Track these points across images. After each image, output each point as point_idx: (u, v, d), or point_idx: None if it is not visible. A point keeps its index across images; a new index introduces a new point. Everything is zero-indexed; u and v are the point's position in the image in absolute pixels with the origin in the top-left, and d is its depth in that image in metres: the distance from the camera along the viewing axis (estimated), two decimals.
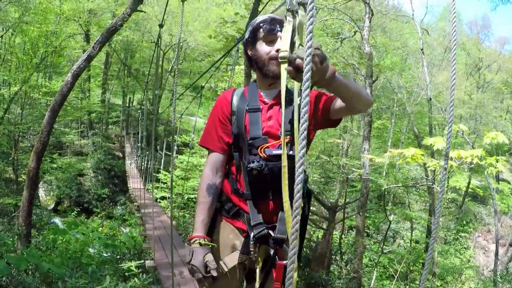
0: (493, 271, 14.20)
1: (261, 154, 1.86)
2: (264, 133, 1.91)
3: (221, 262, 1.95)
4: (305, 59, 1.06)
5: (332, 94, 1.98)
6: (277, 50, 1.84)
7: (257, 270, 1.94)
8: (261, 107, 1.97)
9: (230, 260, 1.96)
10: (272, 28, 1.87)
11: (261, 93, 2.03)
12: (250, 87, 2.06)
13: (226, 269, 1.95)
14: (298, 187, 0.99)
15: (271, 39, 1.90)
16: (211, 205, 1.98)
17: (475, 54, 36.07)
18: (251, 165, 1.83)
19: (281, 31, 1.73)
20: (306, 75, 1.05)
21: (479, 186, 21.21)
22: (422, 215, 19.13)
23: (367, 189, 13.04)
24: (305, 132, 0.99)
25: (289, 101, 1.79)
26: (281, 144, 1.82)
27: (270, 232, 1.89)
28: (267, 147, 1.87)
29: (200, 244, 1.88)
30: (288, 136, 1.83)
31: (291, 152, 1.80)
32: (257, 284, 1.92)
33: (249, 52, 2.02)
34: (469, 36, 43.28)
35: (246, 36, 2.02)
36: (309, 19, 1.03)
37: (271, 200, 1.91)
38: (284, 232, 1.85)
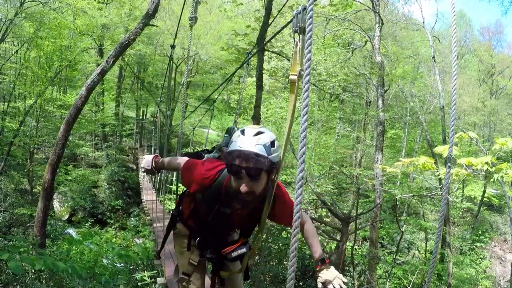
0: (510, 282, 13.96)
1: (222, 254, 2.30)
2: (225, 231, 2.47)
3: (190, 260, 2.52)
4: (304, 78, 1.11)
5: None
6: (240, 192, 2.00)
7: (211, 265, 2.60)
8: (229, 212, 2.23)
9: (195, 256, 2.53)
10: (237, 171, 1.97)
11: (234, 201, 2.15)
12: (227, 188, 2.16)
13: (195, 263, 2.52)
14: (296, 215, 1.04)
15: (237, 178, 2.01)
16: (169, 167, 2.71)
17: (487, 60, 35.71)
18: (208, 256, 2.47)
19: (245, 173, 1.95)
20: (305, 92, 1.10)
21: (494, 194, 20.92)
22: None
23: (380, 200, 12.96)
24: (304, 155, 1.05)
25: (257, 213, 2.20)
26: (239, 246, 2.29)
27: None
28: (229, 251, 2.28)
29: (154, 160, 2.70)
30: (246, 238, 2.37)
31: (244, 250, 2.28)
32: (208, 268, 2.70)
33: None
34: (481, 42, 42.97)
35: (224, 154, 2.16)
36: (307, 46, 1.09)
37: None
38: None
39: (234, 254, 2.26)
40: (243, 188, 1.98)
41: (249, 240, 2.44)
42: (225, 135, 2.57)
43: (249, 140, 1.98)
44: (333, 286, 2.03)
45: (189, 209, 2.52)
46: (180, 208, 2.63)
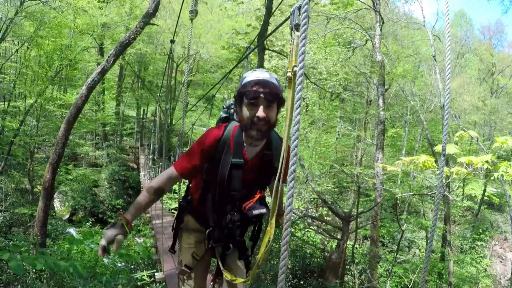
0: (510, 280, 13.95)
1: (244, 211, 2.24)
2: (242, 187, 2.27)
3: (193, 254, 2.52)
4: (298, 78, 1.11)
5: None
6: (258, 117, 2.09)
7: (217, 253, 2.51)
8: (242, 162, 2.25)
9: (199, 250, 2.53)
10: (255, 95, 2.07)
11: (246, 149, 2.27)
12: (236, 137, 2.26)
13: (198, 258, 2.52)
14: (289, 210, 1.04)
15: (254, 104, 2.09)
16: (151, 202, 2.35)
17: (488, 59, 35.73)
18: (233, 224, 2.29)
19: (263, 97, 2.07)
20: (299, 86, 1.10)
21: (495, 193, 20.95)
22: (437, 224, 18.89)
23: (380, 199, 12.95)
24: (297, 141, 1.07)
25: (269, 162, 2.30)
26: (258, 202, 2.23)
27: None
28: (249, 205, 2.22)
29: (122, 224, 2.19)
30: (263, 191, 2.31)
31: (264, 210, 2.21)
32: (220, 265, 2.45)
33: (237, 108, 2.23)
34: (481, 41, 42.96)
35: (236, 93, 2.21)
36: (301, 41, 1.10)
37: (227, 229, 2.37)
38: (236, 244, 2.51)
39: (255, 212, 2.21)
40: (260, 113, 2.07)
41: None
42: (224, 108, 2.62)
43: (263, 73, 2.17)
44: None
45: (199, 189, 2.48)
46: (189, 198, 2.60)
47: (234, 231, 2.37)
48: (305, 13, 1.12)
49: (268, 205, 2.18)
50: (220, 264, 2.45)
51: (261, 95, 2.07)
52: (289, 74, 1.50)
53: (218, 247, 2.49)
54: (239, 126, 2.28)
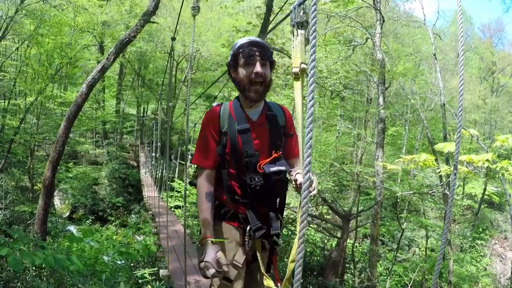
0: (510, 279, 13.94)
1: (259, 171, 2.16)
2: (256, 151, 2.21)
3: (234, 262, 2.22)
4: (309, 71, 1.11)
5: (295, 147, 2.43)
6: (256, 73, 2.14)
7: (259, 256, 2.29)
8: (249, 126, 2.24)
9: (239, 256, 2.25)
10: (251, 54, 2.15)
11: (247, 113, 2.29)
12: (234, 106, 2.31)
13: (240, 265, 2.24)
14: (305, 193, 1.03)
15: (250, 62, 2.16)
16: (212, 209, 2.26)
17: (488, 58, 35.62)
18: (254, 182, 2.16)
19: (259, 55, 2.15)
20: (311, 87, 1.10)
21: (495, 192, 20.90)
22: (437, 223, 18.89)
23: (381, 197, 12.95)
24: (311, 133, 1.07)
25: (274, 122, 2.31)
26: (275, 159, 2.19)
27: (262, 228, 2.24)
28: (264, 163, 2.17)
29: (212, 242, 2.13)
30: (279, 152, 2.24)
31: (283, 168, 2.17)
32: (262, 268, 2.26)
33: (232, 75, 2.29)
34: (481, 39, 42.85)
35: (229, 59, 2.28)
36: (312, 38, 1.09)
37: (264, 204, 2.26)
38: (277, 228, 2.27)
39: (273, 169, 2.16)
40: (258, 68, 2.14)
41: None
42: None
43: (254, 37, 2.30)
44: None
45: (223, 184, 2.32)
46: (216, 203, 2.37)
47: (262, 196, 2.22)
48: (314, 12, 1.11)
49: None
50: (262, 267, 2.27)
51: (257, 53, 2.15)
52: (296, 70, 1.50)
53: (258, 246, 2.32)
54: (234, 99, 2.36)
